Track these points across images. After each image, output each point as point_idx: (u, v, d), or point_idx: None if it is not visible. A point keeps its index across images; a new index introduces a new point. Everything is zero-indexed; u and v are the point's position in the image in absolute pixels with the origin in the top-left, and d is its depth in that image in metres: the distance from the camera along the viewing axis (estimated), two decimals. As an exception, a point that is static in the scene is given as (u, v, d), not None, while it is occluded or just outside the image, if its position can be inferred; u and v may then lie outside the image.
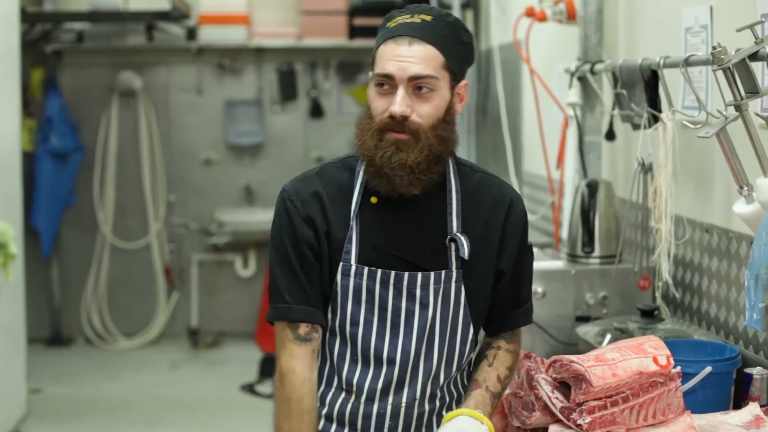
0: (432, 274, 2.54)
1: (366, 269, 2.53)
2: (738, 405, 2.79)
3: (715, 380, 2.74)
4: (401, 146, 2.46)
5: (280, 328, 2.58)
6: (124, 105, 8.51)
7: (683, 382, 2.63)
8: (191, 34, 8.31)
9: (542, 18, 4.53)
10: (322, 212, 2.55)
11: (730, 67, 2.53)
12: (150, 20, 8.18)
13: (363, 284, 2.53)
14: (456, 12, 7.02)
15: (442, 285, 2.55)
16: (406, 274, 2.53)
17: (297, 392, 2.54)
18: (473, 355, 2.71)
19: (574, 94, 4.10)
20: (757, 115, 2.74)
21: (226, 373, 7.61)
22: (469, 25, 7.24)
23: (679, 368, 2.58)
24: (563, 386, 2.59)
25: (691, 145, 3.34)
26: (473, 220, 2.59)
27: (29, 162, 7.89)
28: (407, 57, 2.43)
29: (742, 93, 2.55)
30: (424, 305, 2.55)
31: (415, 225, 2.56)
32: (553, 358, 2.60)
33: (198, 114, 8.59)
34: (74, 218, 8.49)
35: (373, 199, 2.56)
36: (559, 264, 3.70)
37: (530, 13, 4.59)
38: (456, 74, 2.52)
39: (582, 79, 4.09)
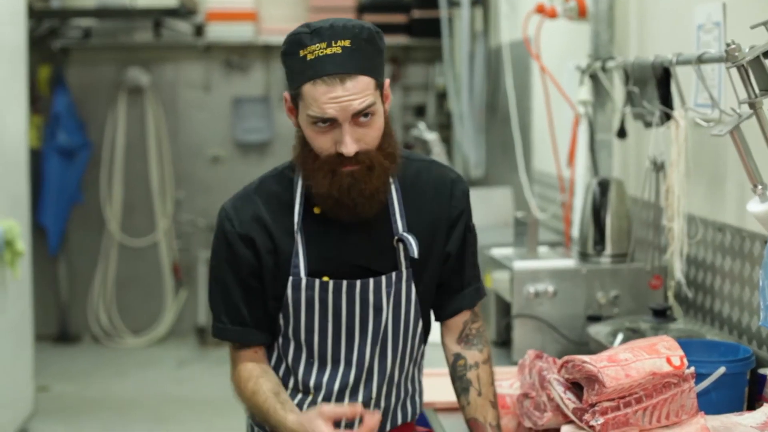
0: (383, 278, 2.53)
1: (317, 282, 2.50)
2: (752, 406, 2.77)
3: (728, 381, 2.71)
4: (357, 176, 2.41)
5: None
6: (131, 102, 8.51)
7: (696, 382, 2.61)
8: (199, 30, 8.30)
9: (552, 15, 4.50)
10: (264, 231, 2.52)
11: (744, 64, 2.50)
12: (157, 17, 8.18)
13: (315, 296, 2.52)
14: (465, 9, 7.01)
15: (393, 287, 2.54)
16: (358, 282, 2.51)
17: (249, 372, 2.57)
18: (424, 347, 2.70)
19: (585, 92, 4.08)
20: (772, 113, 2.71)
21: (233, 371, 7.59)
22: (479, 22, 7.23)
23: (692, 369, 2.56)
24: (575, 387, 2.57)
25: (704, 143, 3.32)
26: (418, 215, 2.57)
27: (36, 159, 7.90)
28: (344, 96, 2.35)
29: (756, 90, 2.52)
30: (377, 310, 2.54)
31: (361, 229, 2.53)
32: (566, 358, 2.57)
33: (206, 111, 8.59)
34: (81, 215, 8.49)
35: (316, 210, 2.52)
36: (570, 263, 3.68)
37: (540, 10, 4.57)
38: (382, 82, 2.47)
39: (593, 77, 4.07)
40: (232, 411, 6.62)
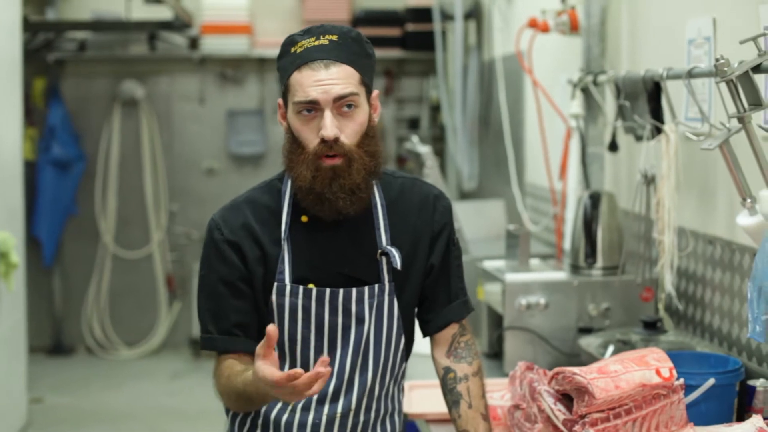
0: (366, 289, 2.57)
1: (301, 288, 2.54)
2: (741, 417, 2.77)
3: (718, 392, 2.72)
4: (337, 171, 2.47)
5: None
6: (126, 114, 8.52)
7: (686, 394, 2.62)
8: (193, 43, 8.32)
9: (545, 29, 4.52)
10: (253, 239, 2.57)
11: (733, 79, 2.52)
12: (152, 30, 8.20)
13: (299, 303, 2.54)
14: (459, 22, 7.03)
15: (376, 299, 2.58)
16: (341, 291, 2.55)
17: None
18: (405, 365, 2.72)
19: (576, 105, 4.09)
20: (761, 127, 2.74)
21: (227, 383, 7.58)
22: (472, 36, 7.25)
23: (682, 380, 2.58)
24: (566, 398, 2.58)
25: (694, 156, 3.34)
26: (401, 229, 2.62)
27: (31, 171, 7.90)
28: (327, 80, 2.45)
29: (745, 105, 2.55)
30: (360, 320, 2.57)
31: (347, 239, 2.58)
32: (556, 370, 2.59)
33: (200, 123, 8.61)
34: (76, 227, 8.49)
35: (304, 218, 2.58)
36: (561, 275, 3.69)
37: (533, 24, 4.58)
38: (369, 87, 2.56)
39: (585, 90, 4.08)
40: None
